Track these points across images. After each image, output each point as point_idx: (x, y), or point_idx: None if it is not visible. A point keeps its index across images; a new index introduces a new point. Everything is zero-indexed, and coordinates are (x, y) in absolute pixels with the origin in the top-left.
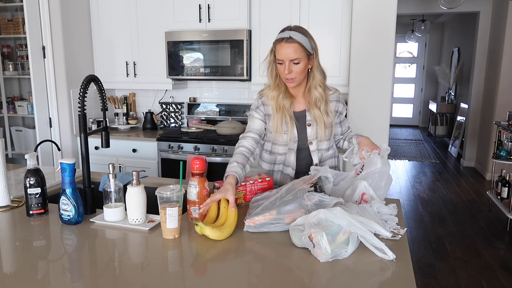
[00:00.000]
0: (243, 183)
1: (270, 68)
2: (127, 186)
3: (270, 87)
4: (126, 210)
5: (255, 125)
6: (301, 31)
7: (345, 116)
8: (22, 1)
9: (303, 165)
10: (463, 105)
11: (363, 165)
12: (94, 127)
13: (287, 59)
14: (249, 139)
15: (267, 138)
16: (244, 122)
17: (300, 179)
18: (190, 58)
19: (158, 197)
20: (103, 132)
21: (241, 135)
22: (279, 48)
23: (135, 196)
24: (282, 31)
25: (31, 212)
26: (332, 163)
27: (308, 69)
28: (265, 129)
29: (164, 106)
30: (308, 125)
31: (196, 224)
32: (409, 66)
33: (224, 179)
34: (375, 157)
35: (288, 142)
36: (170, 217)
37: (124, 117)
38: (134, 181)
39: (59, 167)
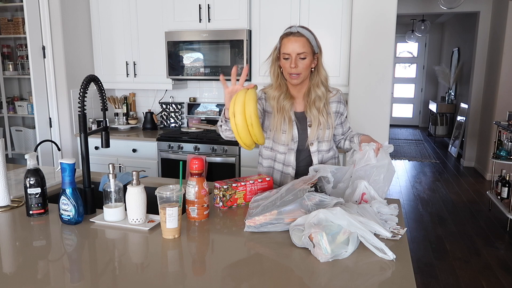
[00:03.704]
0: (242, 183)
1: (273, 67)
2: (127, 186)
3: (272, 86)
4: (126, 210)
5: None
6: (307, 29)
7: (346, 116)
8: (22, 1)
9: (303, 166)
10: (463, 105)
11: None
12: (94, 127)
13: (294, 53)
14: None
15: (268, 136)
16: None
17: (300, 179)
18: (190, 58)
19: (158, 197)
20: (103, 132)
21: None
22: (286, 42)
23: (135, 196)
24: (289, 27)
25: (31, 212)
26: (333, 164)
27: (312, 69)
28: (261, 120)
29: (164, 106)
30: (309, 126)
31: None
32: (409, 66)
33: (223, 114)
34: (369, 150)
35: (289, 142)
36: (170, 217)
37: (124, 117)
38: (134, 181)
39: (59, 167)
